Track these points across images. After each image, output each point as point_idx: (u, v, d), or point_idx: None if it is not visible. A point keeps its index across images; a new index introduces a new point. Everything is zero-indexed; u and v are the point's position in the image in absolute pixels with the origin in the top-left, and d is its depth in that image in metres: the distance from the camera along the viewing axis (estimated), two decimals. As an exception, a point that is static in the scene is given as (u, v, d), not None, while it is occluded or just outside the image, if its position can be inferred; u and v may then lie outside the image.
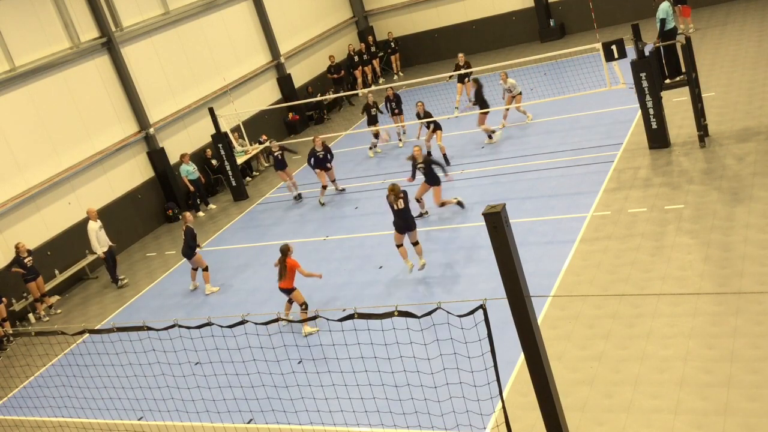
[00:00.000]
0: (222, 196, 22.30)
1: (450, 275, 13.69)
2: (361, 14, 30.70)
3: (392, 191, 13.65)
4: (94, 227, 17.64)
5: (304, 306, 13.02)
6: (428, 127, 19.27)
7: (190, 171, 21.10)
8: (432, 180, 15.81)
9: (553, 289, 12.17)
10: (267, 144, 22.65)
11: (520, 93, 20.10)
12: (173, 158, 21.86)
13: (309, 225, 17.96)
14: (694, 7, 24.23)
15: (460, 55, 22.65)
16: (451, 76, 23.87)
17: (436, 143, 19.16)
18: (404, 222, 13.70)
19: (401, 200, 13.63)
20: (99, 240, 17.62)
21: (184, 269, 17.53)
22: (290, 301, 13.28)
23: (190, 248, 15.75)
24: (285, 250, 12.99)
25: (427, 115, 19.24)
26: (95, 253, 18.01)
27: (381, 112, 21.88)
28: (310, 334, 12.88)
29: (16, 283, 17.28)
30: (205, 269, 15.97)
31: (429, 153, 19.26)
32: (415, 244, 13.77)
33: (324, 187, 19.01)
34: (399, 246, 13.95)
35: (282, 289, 13.09)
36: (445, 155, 18.77)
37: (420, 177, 16.08)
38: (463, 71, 21.97)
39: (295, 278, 13.06)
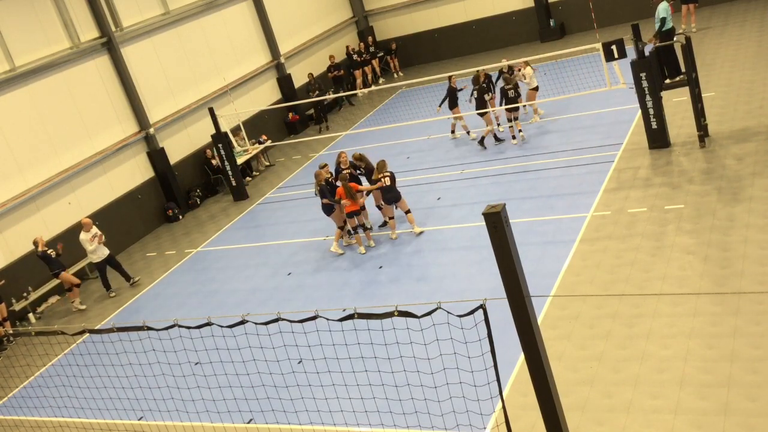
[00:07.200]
0: (222, 196, 22.31)
1: (450, 275, 13.69)
2: (361, 14, 30.69)
3: (379, 168, 15.40)
4: (86, 238, 17.07)
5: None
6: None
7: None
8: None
9: (553, 289, 12.17)
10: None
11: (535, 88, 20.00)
12: (173, 158, 21.88)
13: (309, 225, 17.95)
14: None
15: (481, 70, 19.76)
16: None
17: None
18: (392, 194, 15.35)
19: (387, 178, 15.26)
20: (96, 249, 17.25)
21: (183, 269, 17.54)
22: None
23: (329, 204, 15.76)
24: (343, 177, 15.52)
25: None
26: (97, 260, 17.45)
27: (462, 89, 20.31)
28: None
29: (16, 283, 17.30)
30: (341, 227, 15.89)
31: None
32: (407, 212, 15.49)
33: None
34: (391, 218, 15.69)
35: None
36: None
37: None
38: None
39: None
